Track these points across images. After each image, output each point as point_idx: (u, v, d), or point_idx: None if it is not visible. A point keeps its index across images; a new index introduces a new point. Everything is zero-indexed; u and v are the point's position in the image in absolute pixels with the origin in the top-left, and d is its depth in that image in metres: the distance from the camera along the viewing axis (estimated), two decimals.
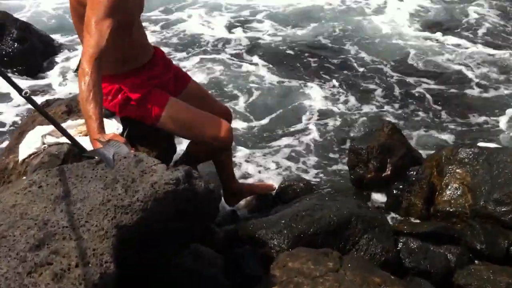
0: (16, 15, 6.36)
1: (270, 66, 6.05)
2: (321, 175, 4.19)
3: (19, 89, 2.22)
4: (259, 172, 4.23)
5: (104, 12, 2.46)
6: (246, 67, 6.04)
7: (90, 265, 1.74)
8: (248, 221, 3.14)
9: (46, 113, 2.40)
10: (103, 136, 2.26)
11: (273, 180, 4.05)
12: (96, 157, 2.13)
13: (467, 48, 6.42)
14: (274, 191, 3.76)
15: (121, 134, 2.88)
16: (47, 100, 4.38)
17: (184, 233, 2.16)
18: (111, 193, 1.97)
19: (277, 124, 4.95)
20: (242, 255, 2.82)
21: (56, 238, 1.81)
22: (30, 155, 2.91)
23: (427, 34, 6.83)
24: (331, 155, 4.46)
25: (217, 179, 3.47)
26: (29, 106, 4.83)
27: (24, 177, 2.16)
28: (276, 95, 5.46)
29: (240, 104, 5.28)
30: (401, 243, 3.16)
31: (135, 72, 2.87)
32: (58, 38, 6.54)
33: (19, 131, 3.40)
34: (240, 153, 4.42)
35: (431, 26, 7.07)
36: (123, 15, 2.59)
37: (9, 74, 5.45)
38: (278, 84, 5.66)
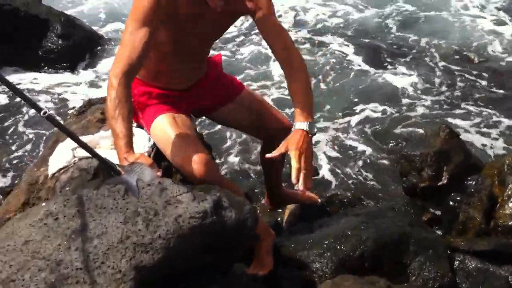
0: (61, 8, 6.31)
1: (341, 44, 6.02)
2: (371, 178, 3.95)
3: (38, 109, 2.08)
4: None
5: (140, 20, 2.20)
6: (316, 43, 6.04)
7: None
8: (290, 237, 2.92)
9: (71, 133, 2.26)
10: (129, 156, 2.08)
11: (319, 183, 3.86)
12: (122, 185, 1.95)
13: None
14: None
15: (152, 148, 2.72)
16: (89, 99, 4.29)
17: (211, 268, 1.97)
18: (131, 229, 1.79)
19: (335, 109, 4.82)
20: (283, 278, 2.62)
21: (69, 283, 1.66)
22: (59, 169, 2.79)
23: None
24: (385, 156, 4.20)
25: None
26: (72, 110, 4.83)
27: (43, 204, 2.01)
28: (339, 74, 5.38)
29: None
30: (457, 262, 2.89)
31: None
32: (104, 31, 6.48)
33: (53, 139, 3.29)
34: None
35: None
36: (169, 29, 2.37)
37: (52, 72, 5.57)
38: (343, 63, 5.57)
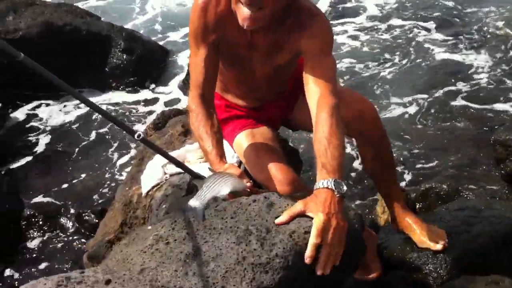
0: (116, 22, 6.34)
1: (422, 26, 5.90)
2: (463, 167, 3.76)
3: (132, 132, 2.05)
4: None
5: (195, 42, 2.20)
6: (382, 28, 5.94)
7: None
8: (393, 238, 2.79)
9: (165, 152, 2.24)
10: (220, 167, 2.05)
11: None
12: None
13: None
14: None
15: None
16: (163, 111, 4.28)
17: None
18: (245, 249, 1.71)
19: (413, 93, 4.73)
20: (392, 282, 2.49)
21: None
22: (153, 187, 2.76)
23: None
24: (474, 141, 4.00)
25: None
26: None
27: (149, 227, 1.96)
28: (408, 55, 5.29)
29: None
30: None
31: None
32: (163, 42, 6.47)
33: (138, 158, 3.28)
34: None
35: None
36: (227, 55, 2.30)
37: (120, 90, 5.57)
38: (412, 43, 5.48)
